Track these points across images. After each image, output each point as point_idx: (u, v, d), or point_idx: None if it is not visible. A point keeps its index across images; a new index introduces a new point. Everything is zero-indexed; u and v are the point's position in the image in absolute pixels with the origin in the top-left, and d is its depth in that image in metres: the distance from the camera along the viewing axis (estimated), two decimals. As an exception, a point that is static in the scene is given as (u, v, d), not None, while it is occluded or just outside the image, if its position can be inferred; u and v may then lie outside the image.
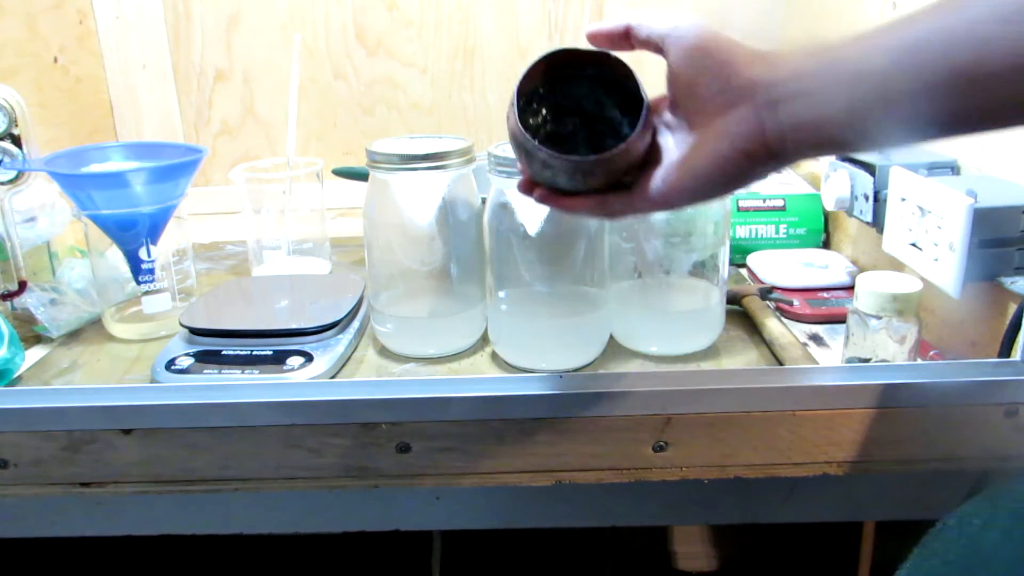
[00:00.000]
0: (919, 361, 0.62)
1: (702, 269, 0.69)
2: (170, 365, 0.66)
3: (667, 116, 0.48)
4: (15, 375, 0.69)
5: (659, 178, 0.46)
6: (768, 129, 0.42)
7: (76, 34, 1.14)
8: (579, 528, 0.69)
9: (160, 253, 0.77)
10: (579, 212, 0.50)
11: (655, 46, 0.46)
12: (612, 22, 0.48)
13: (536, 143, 0.46)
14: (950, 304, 0.68)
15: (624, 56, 0.49)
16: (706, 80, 0.44)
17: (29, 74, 1.01)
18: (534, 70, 0.49)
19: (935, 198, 0.61)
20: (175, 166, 0.77)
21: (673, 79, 0.46)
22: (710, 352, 0.71)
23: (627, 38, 0.48)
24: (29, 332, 0.76)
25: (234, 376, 0.65)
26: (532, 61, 0.48)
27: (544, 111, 0.51)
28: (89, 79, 1.17)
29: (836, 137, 0.42)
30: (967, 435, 0.56)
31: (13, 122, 0.75)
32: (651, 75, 0.48)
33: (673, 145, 0.47)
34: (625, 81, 0.48)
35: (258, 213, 0.90)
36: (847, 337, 0.63)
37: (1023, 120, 0.38)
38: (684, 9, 0.46)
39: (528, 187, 0.51)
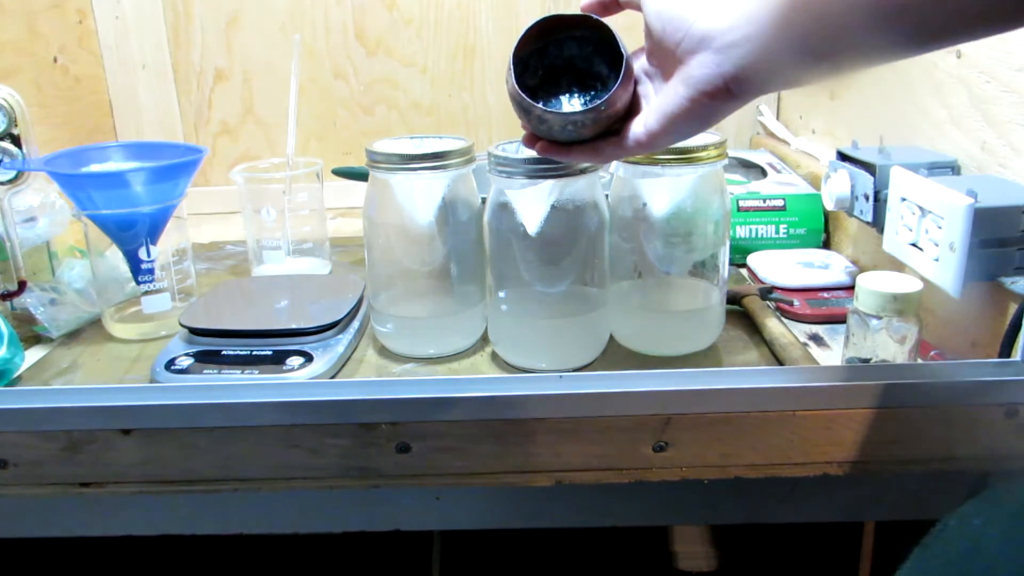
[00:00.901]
0: (919, 361, 0.62)
1: (702, 269, 0.69)
2: (170, 365, 0.66)
3: (647, 66, 0.54)
4: (15, 375, 0.69)
5: (641, 123, 0.52)
6: (726, 71, 0.47)
7: (76, 34, 1.14)
8: (579, 528, 0.68)
9: (160, 253, 0.77)
10: (576, 159, 0.56)
11: (636, 5, 0.52)
12: None
13: (532, 101, 0.52)
14: (950, 304, 0.68)
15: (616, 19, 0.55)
16: (671, 30, 0.49)
17: (29, 74, 1.01)
18: (528, 36, 0.54)
19: (935, 198, 0.61)
20: (175, 166, 0.77)
21: (648, 32, 0.51)
22: (710, 352, 0.71)
23: (616, 2, 0.54)
24: (29, 332, 0.76)
25: (234, 376, 0.65)
26: (525, 28, 0.54)
27: (540, 72, 0.57)
28: (89, 79, 1.17)
29: (784, 72, 0.46)
30: (967, 435, 0.56)
31: (13, 122, 0.75)
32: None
33: (653, 92, 0.53)
34: (609, 40, 0.54)
35: (258, 213, 0.90)
36: (847, 337, 0.63)
37: (963, 36, 0.41)
38: None
39: (531, 141, 0.57)
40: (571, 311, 0.68)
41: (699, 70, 0.47)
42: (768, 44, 0.45)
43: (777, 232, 0.92)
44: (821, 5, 0.42)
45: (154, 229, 0.77)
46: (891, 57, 0.45)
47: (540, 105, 0.52)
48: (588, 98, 0.56)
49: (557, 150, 0.56)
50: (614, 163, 0.69)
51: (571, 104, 0.56)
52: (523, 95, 0.52)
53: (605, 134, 0.54)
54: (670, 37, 0.49)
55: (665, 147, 0.54)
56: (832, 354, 0.70)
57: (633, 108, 0.53)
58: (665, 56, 0.50)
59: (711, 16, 0.47)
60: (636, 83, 0.53)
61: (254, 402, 0.56)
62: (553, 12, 0.54)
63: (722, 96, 0.48)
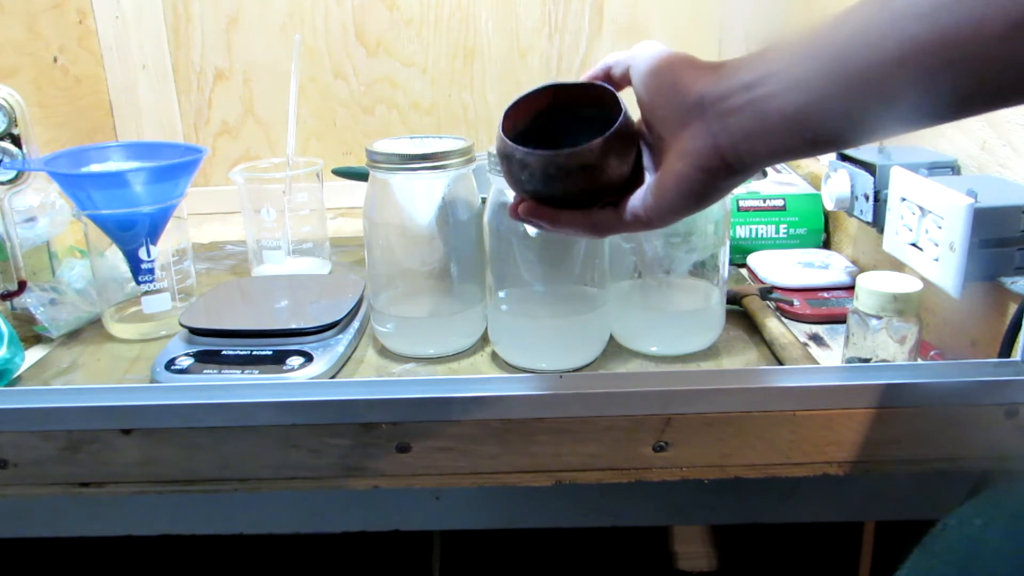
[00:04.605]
0: (919, 361, 0.62)
1: (702, 269, 0.69)
2: (170, 365, 0.66)
3: (649, 139, 0.49)
4: (15, 375, 0.69)
5: (639, 198, 0.48)
6: (721, 143, 0.43)
7: (76, 34, 1.14)
8: (579, 528, 0.69)
9: (160, 253, 0.77)
10: (565, 228, 0.51)
11: (628, 79, 0.48)
12: (596, 67, 0.51)
13: (513, 144, 0.48)
14: (950, 304, 0.68)
15: None
16: (661, 101, 0.45)
17: (29, 74, 1.01)
18: (527, 104, 0.50)
19: (935, 198, 0.61)
20: (175, 166, 0.77)
21: (640, 106, 0.47)
22: (710, 352, 0.71)
23: (611, 78, 0.50)
24: (29, 332, 0.76)
25: (234, 376, 0.65)
26: (524, 93, 0.50)
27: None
28: (89, 79, 1.17)
29: (785, 144, 0.42)
30: (967, 435, 0.56)
31: (13, 122, 0.75)
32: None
33: (652, 166, 0.49)
34: (612, 108, 0.49)
35: (258, 213, 0.90)
36: (847, 337, 0.63)
37: (959, 114, 0.39)
38: (651, 40, 0.48)
39: (515, 211, 0.52)
40: (571, 311, 0.68)
41: (692, 142, 0.44)
42: (764, 115, 0.41)
43: (777, 232, 0.92)
44: (826, 84, 0.39)
45: (154, 229, 0.77)
46: (932, 121, 0.41)
47: (522, 148, 0.47)
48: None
49: (544, 213, 0.50)
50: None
51: None
52: (505, 139, 0.48)
53: (602, 203, 0.50)
54: (661, 108, 0.45)
55: (662, 226, 0.49)
56: (832, 354, 0.70)
57: (635, 181, 0.49)
58: (659, 129, 0.46)
59: (705, 83, 0.43)
60: (640, 154, 0.49)
61: (254, 402, 0.56)
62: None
63: (719, 171, 0.44)
